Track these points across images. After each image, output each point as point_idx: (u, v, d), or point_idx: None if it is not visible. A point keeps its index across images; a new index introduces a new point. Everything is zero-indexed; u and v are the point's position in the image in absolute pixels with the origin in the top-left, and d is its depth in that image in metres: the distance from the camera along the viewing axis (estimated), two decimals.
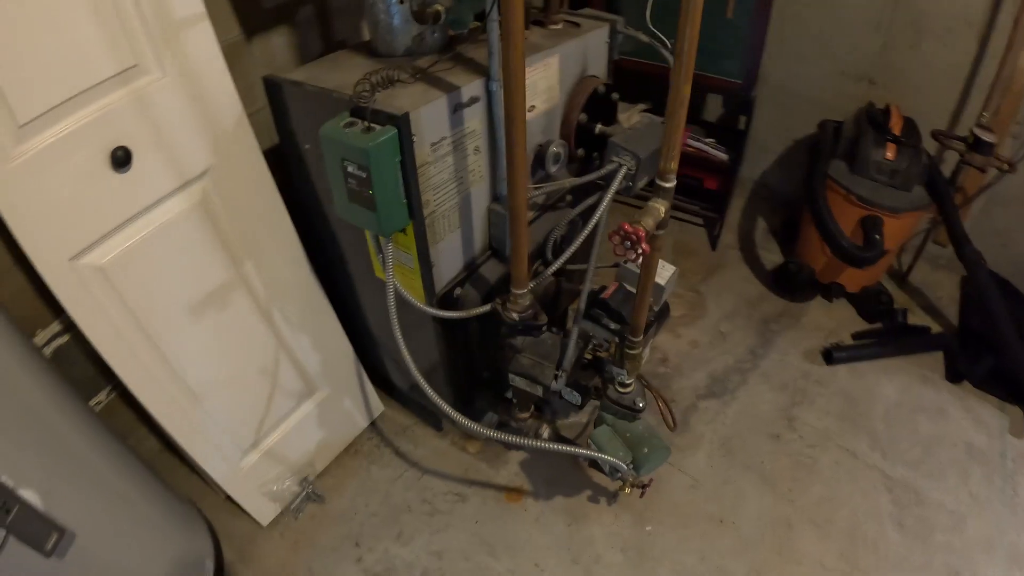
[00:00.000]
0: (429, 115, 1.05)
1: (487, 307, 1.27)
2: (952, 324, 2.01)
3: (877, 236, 1.78)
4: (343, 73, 1.18)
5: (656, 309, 1.47)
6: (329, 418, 1.63)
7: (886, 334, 1.95)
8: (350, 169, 1.01)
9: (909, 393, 1.80)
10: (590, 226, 1.29)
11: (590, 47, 1.41)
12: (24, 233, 0.97)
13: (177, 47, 1.06)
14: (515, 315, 1.22)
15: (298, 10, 1.48)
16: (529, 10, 1.36)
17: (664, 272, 1.44)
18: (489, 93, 1.14)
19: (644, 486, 1.43)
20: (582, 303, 1.33)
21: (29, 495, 0.92)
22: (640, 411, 1.25)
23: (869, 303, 1.99)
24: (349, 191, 1.05)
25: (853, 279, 2.01)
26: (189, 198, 1.17)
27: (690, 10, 0.80)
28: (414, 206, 1.10)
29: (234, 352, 1.35)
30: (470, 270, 1.36)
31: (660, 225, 1.00)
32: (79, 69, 0.96)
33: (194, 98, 1.11)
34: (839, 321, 2.03)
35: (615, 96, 1.50)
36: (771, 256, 2.27)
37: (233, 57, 1.30)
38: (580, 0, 2.22)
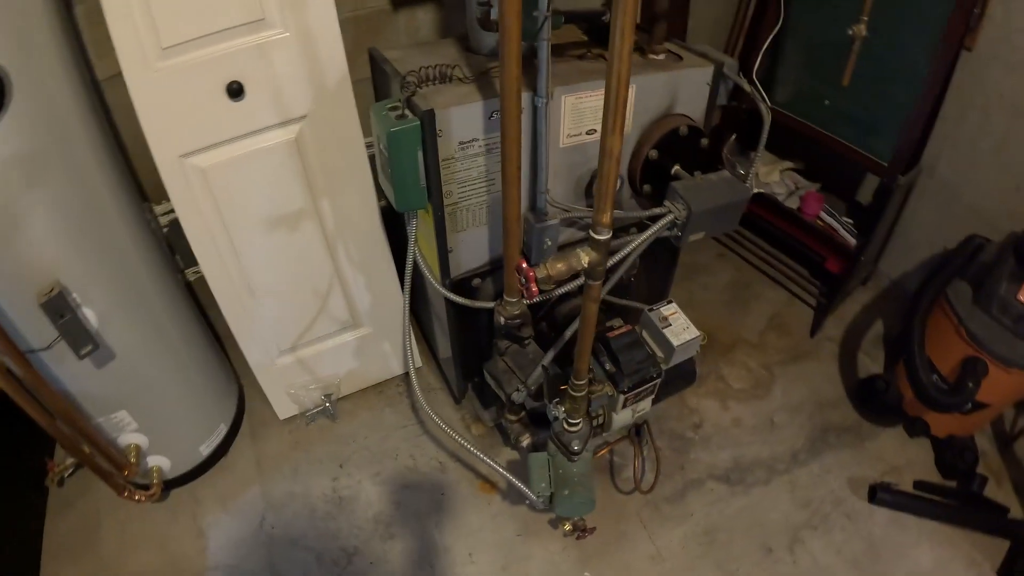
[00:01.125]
0: (460, 116, 1.14)
1: (488, 304, 1.35)
2: None
3: (971, 384, 1.49)
4: (429, 59, 1.31)
5: (665, 367, 1.41)
6: (365, 354, 1.84)
7: (953, 495, 1.63)
8: (381, 147, 1.15)
9: (945, 571, 1.49)
10: (613, 260, 1.29)
11: (682, 85, 1.37)
12: (150, 127, 1.26)
13: (301, 11, 1.27)
14: (502, 319, 1.28)
15: None
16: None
17: (682, 333, 1.38)
18: (535, 108, 1.19)
19: (584, 531, 1.42)
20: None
21: (88, 312, 1.24)
22: (574, 454, 1.24)
23: (950, 455, 1.67)
24: (380, 165, 1.19)
25: (941, 422, 1.69)
26: (286, 134, 1.40)
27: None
28: (433, 192, 1.21)
29: (294, 269, 1.59)
30: (495, 266, 1.43)
31: (592, 275, 0.97)
32: (216, 14, 1.21)
33: (306, 55, 1.32)
34: (908, 461, 1.73)
35: (704, 141, 1.44)
36: (870, 364, 1.98)
37: (377, 24, 1.50)
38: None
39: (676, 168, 1.43)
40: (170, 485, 1.61)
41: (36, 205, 1.14)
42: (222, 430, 1.67)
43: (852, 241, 1.93)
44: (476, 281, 1.43)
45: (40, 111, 1.12)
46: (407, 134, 1.11)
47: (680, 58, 1.40)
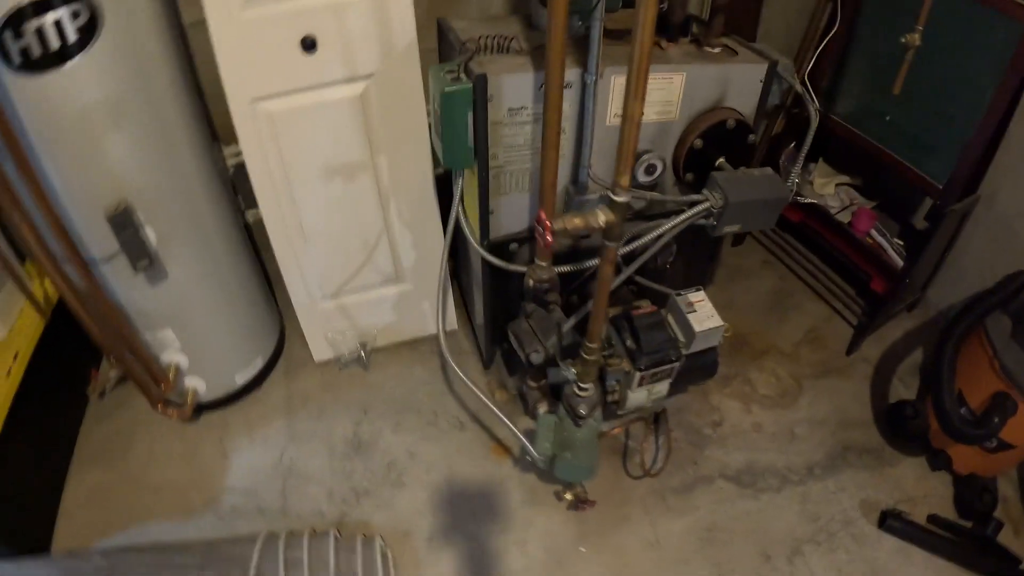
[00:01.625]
0: (512, 84, 1.19)
1: (520, 268, 1.39)
2: None
3: (997, 419, 1.44)
4: (493, 31, 1.36)
5: (685, 352, 1.42)
6: (404, 309, 1.91)
7: (965, 535, 1.57)
8: (435, 106, 1.21)
9: None
10: (641, 241, 1.32)
11: (735, 80, 1.38)
12: (227, 71, 1.36)
13: None
14: (531, 282, 1.32)
15: None
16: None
17: (705, 320, 1.39)
18: (584, 84, 1.23)
19: (583, 502, 1.45)
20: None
21: (149, 232, 1.35)
22: (580, 418, 1.27)
23: (969, 493, 1.61)
24: (433, 123, 1.25)
25: (964, 458, 1.63)
26: (352, 90, 1.48)
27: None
28: (480, 153, 1.26)
29: (346, 219, 1.66)
30: (532, 233, 1.47)
31: (609, 236, 1.00)
32: None
33: (378, 20, 1.39)
34: (926, 494, 1.68)
35: (752, 138, 1.44)
36: (903, 391, 1.92)
37: None
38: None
39: (721, 161, 1.44)
40: (203, 408, 1.73)
41: (115, 129, 1.25)
42: (258, 363, 1.78)
43: (899, 263, 1.88)
44: (513, 246, 1.48)
45: (126, 46, 1.22)
46: (460, 95, 1.16)
47: (735, 53, 1.41)
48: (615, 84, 1.28)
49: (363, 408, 1.79)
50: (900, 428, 1.78)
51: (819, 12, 1.99)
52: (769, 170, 1.41)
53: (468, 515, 1.58)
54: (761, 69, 1.40)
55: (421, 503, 1.60)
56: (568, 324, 1.32)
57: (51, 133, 1.20)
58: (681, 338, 1.40)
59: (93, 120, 1.22)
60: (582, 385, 1.26)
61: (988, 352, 1.55)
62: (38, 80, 1.14)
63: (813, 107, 1.39)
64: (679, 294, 1.43)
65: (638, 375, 1.37)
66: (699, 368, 1.51)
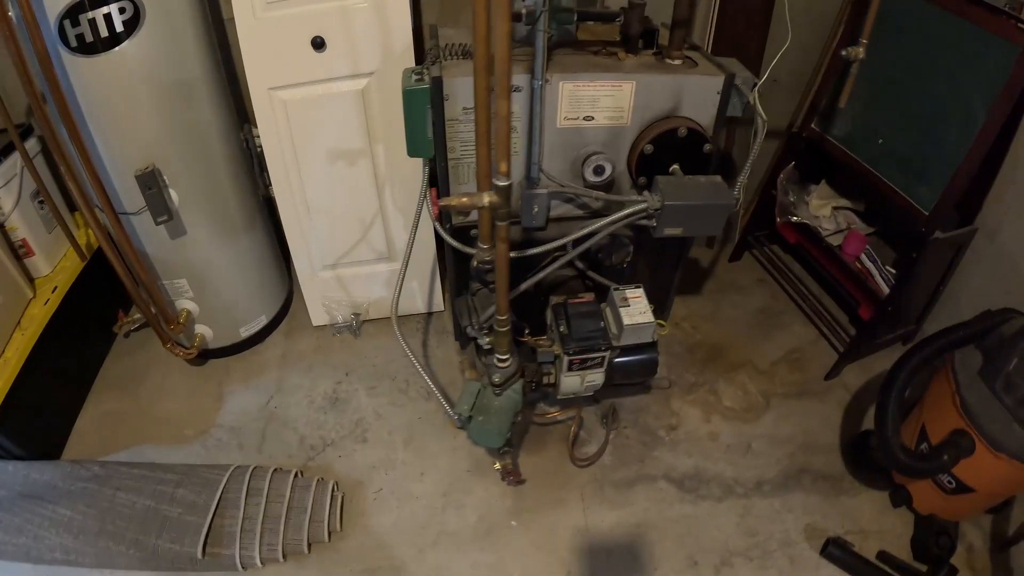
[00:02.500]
0: (465, 86, 1.34)
1: (469, 249, 1.52)
2: None
3: (947, 456, 1.40)
4: (466, 39, 1.52)
5: (616, 344, 1.49)
6: (394, 286, 2.08)
7: None
8: (402, 102, 1.39)
9: None
10: (577, 235, 1.43)
11: (690, 91, 1.45)
12: (249, 63, 1.60)
13: None
14: (475, 263, 1.46)
15: None
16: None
17: (637, 315, 1.46)
18: (532, 88, 1.36)
19: (510, 474, 1.56)
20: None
21: (172, 193, 1.61)
22: (493, 385, 1.38)
23: (926, 535, 1.55)
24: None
25: (925, 497, 1.58)
26: (355, 85, 1.68)
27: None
28: (438, 145, 1.42)
29: (346, 198, 1.86)
30: None
31: (496, 216, 1.12)
32: None
33: (379, 24, 1.59)
34: (882, 530, 1.63)
35: (708, 147, 1.50)
36: None
37: (462, 2, 1.74)
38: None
39: (674, 167, 1.51)
40: (210, 355, 1.99)
41: (151, 105, 1.51)
42: (262, 320, 2.02)
43: (886, 290, 1.85)
44: (474, 231, 1.61)
45: (165, 38, 1.48)
46: (418, 94, 1.33)
47: (696, 65, 1.49)
48: (563, 89, 1.39)
49: (346, 370, 1.98)
50: (862, 458, 1.75)
51: (835, 26, 2.00)
52: (718, 178, 1.47)
53: (416, 476, 1.72)
54: (718, 82, 1.46)
55: (378, 459, 1.76)
56: (487, 309, 1.45)
57: (97, 104, 1.48)
58: (613, 330, 1.48)
59: (133, 96, 1.49)
60: (500, 356, 1.38)
61: (951, 384, 1.51)
62: (89, 61, 1.41)
63: (760, 119, 1.43)
64: (617, 288, 1.51)
65: (567, 359, 1.46)
66: (638, 364, 1.57)
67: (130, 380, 1.94)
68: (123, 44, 1.42)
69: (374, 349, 2.04)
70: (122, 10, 1.40)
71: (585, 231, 1.42)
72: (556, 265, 1.45)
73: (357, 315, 2.08)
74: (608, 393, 1.92)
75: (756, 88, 1.45)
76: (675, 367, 2.02)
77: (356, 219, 1.93)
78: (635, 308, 1.48)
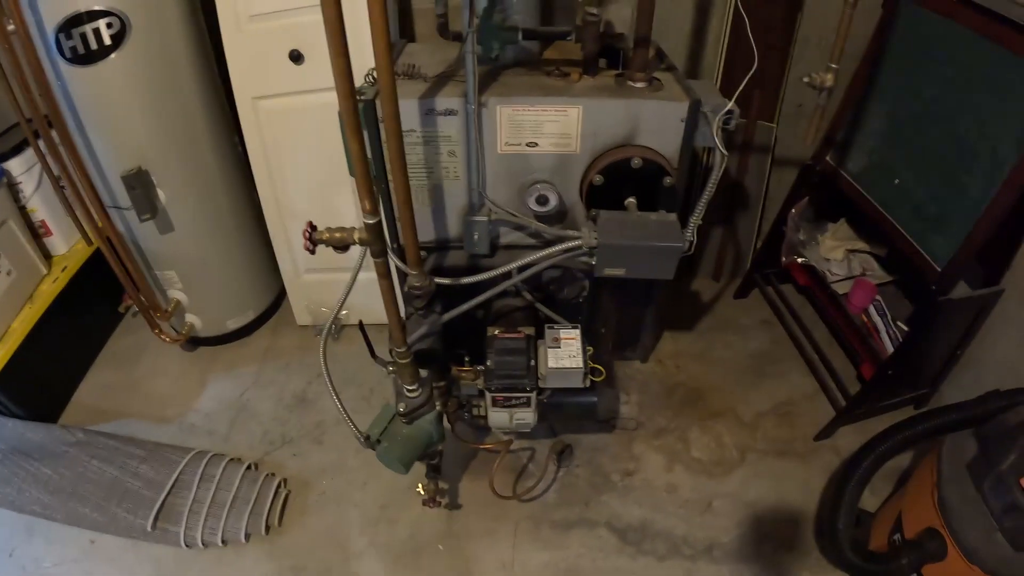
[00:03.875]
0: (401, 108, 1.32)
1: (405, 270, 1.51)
2: None
3: (906, 561, 1.22)
4: (435, 57, 1.49)
5: (542, 385, 1.42)
6: (373, 295, 2.08)
7: None
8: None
9: None
10: (509, 267, 1.38)
11: (648, 117, 1.34)
12: (235, 72, 1.68)
13: (352, 3, 1.56)
14: (406, 287, 1.45)
15: None
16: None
17: (564, 359, 1.39)
18: (467, 112, 1.31)
19: (432, 500, 1.54)
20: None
21: (161, 192, 1.73)
22: (399, 413, 1.37)
23: None
24: None
25: None
26: (332, 97, 1.69)
27: None
28: (379, 168, 1.41)
29: (325, 206, 1.91)
30: (441, 245, 1.59)
31: (372, 252, 1.11)
32: None
33: (352, 38, 1.61)
34: None
35: (668, 180, 1.38)
36: (867, 496, 1.64)
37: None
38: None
39: (630, 201, 1.41)
40: (200, 342, 2.12)
41: (141, 112, 1.63)
42: (250, 315, 2.13)
43: (890, 349, 1.63)
44: (422, 254, 1.60)
45: (152, 50, 1.58)
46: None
47: (660, 88, 1.37)
48: (501, 114, 1.34)
49: (318, 371, 2.04)
50: (833, 536, 1.55)
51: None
52: (671, 217, 1.35)
53: (360, 484, 1.75)
54: (680, 108, 1.33)
55: (329, 462, 1.80)
56: (416, 334, 1.43)
57: (91, 110, 1.61)
58: (542, 370, 1.41)
59: (123, 103, 1.61)
60: (408, 386, 1.36)
61: (933, 473, 1.32)
62: (83, 70, 1.54)
63: (719, 154, 1.30)
64: (551, 327, 1.44)
65: (490, 395, 1.41)
66: (574, 407, 1.49)
67: (129, 358, 2.12)
68: (111, 56, 1.53)
69: (349, 354, 2.09)
70: (109, 25, 1.51)
71: (514, 265, 1.36)
72: (485, 296, 1.41)
73: (337, 320, 2.12)
74: (569, 427, 1.85)
75: (721, 116, 1.31)
76: (648, 407, 1.90)
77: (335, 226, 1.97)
78: (565, 351, 1.40)
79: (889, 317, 1.68)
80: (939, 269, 1.46)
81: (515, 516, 1.67)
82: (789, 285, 2.12)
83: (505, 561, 1.59)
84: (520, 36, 1.33)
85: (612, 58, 1.54)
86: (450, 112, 1.34)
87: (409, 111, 1.34)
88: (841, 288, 1.80)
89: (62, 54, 1.53)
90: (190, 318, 2.02)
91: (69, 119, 1.60)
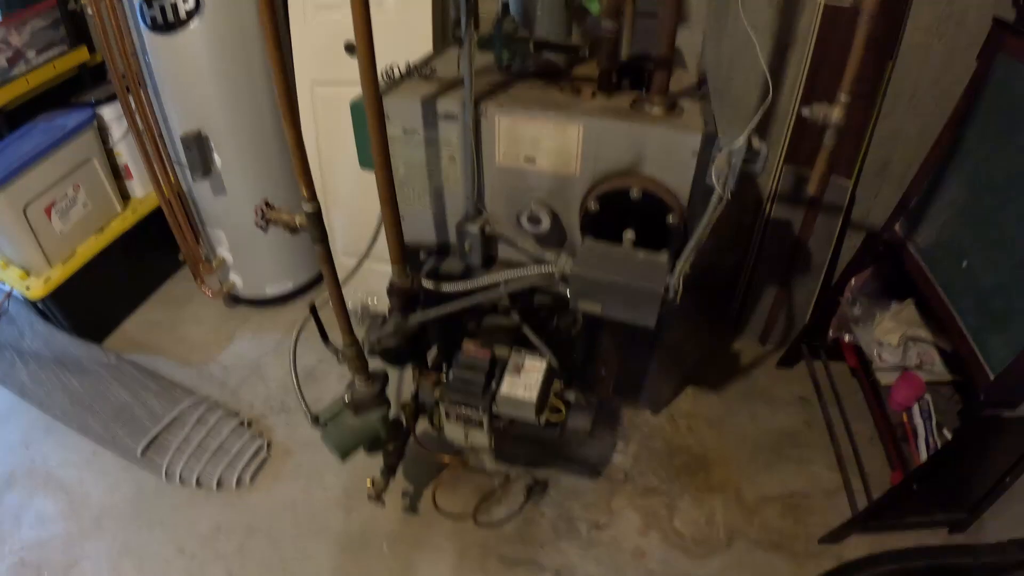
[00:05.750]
0: (400, 106, 1.31)
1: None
2: None
3: None
4: (452, 62, 1.48)
5: (495, 410, 1.34)
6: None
7: None
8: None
9: None
10: (480, 282, 1.34)
11: (654, 145, 1.21)
12: (298, 57, 1.79)
13: (406, 4, 1.62)
14: (391, 283, 1.44)
15: None
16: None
17: (519, 389, 1.31)
18: (463, 118, 1.28)
19: (380, 497, 1.51)
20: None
21: (216, 157, 1.88)
22: (345, 403, 1.35)
23: None
24: None
25: None
26: None
27: None
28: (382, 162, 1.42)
29: (366, 197, 1.88)
30: (441, 250, 1.56)
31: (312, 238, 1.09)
32: None
33: (402, 35, 1.65)
34: None
35: (672, 219, 1.25)
36: None
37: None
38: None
39: (628, 233, 1.30)
40: (241, 302, 2.27)
41: (209, 79, 1.78)
42: (288, 285, 2.24)
43: (922, 459, 1.36)
44: (423, 255, 1.59)
45: (225, 23, 1.73)
46: (359, 109, 1.35)
47: (680, 115, 1.24)
48: (500, 124, 1.29)
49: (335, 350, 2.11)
50: None
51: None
52: (661, 258, 1.23)
53: (334, 467, 1.76)
54: (693, 140, 1.19)
55: (313, 439, 1.81)
56: (386, 326, 1.42)
57: (166, 74, 1.79)
58: (499, 395, 1.34)
59: (194, 70, 1.77)
60: (358, 377, 1.35)
61: None
62: (161, 38, 1.71)
63: (718, 194, 1.13)
64: (518, 351, 1.36)
65: (443, 408, 1.36)
66: (536, 436, 1.40)
67: (177, 302, 2.32)
68: (188, 27, 1.69)
69: None
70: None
71: (486, 281, 1.31)
72: (451, 308, 1.37)
73: (366, 306, 2.18)
74: (552, 462, 1.75)
75: (722, 150, 1.15)
76: (643, 462, 1.75)
77: (373, 217, 2.02)
78: (524, 379, 1.32)
79: (933, 422, 1.41)
80: (991, 376, 1.19)
81: (468, 539, 1.60)
82: (842, 364, 1.85)
83: None
84: (532, 47, 1.28)
85: (639, 80, 1.43)
86: (450, 116, 1.32)
87: (413, 112, 1.33)
88: (887, 378, 1.53)
89: (144, 21, 1.71)
90: (233, 277, 2.18)
91: (147, 78, 1.79)
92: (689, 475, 1.71)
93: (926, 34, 1.51)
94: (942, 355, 1.54)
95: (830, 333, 1.67)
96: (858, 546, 1.52)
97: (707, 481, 1.70)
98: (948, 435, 1.40)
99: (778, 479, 1.69)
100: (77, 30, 2.18)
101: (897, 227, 1.53)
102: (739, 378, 1.97)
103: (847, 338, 1.62)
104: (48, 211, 1.94)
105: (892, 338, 1.58)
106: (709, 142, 1.20)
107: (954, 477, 1.35)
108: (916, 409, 1.44)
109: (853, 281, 1.65)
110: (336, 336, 1.44)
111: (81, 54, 2.18)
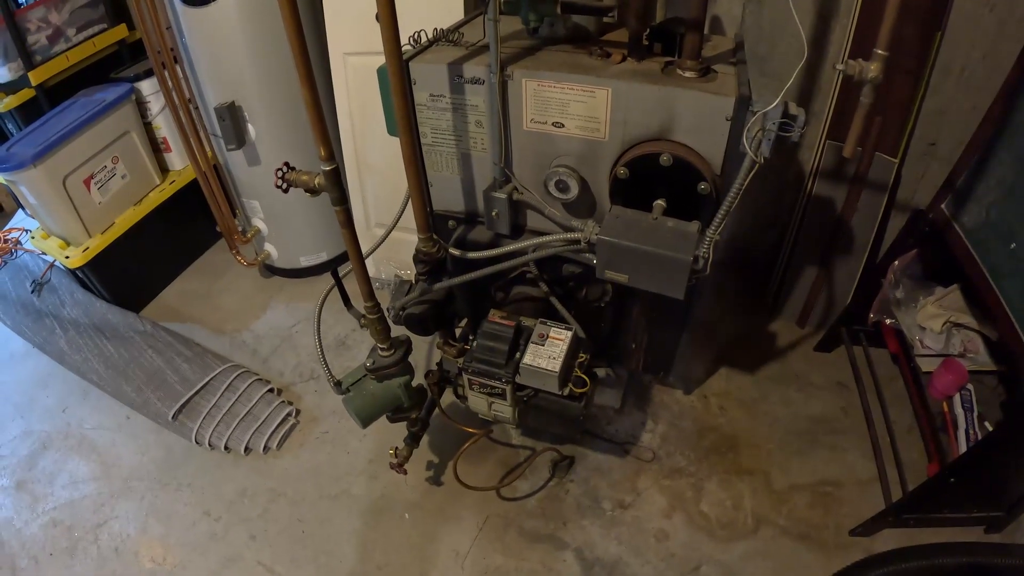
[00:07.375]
0: (427, 71, 1.30)
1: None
2: None
3: None
4: (473, 28, 1.46)
5: (517, 380, 1.32)
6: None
7: None
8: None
9: None
10: (508, 249, 1.32)
11: (684, 110, 1.17)
12: (330, 28, 1.80)
13: None
14: (418, 250, 1.44)
15: None
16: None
17: (541, 359, 1.29)
18: (489, 82, 1.25)
19: (398, 466, 1.52)
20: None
21: (251, 127, 1.90)
22: (366, 367, 1.36)
23: None
24: None
25: None
26: None
27: None
28: (411, 128, 1.41)
29: (398, 166, 1.94)
30: (469, 217, 1.55)
31: (332, 201, 1.11)
32: None
33: (434, 4, 1.64)
34: None
35: (704, 187, 1.21)
36: None
37: None
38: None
39: (659, 203, 1.26)
40: (276, 272, 2.31)
41: (242, 51, 1.80)
42: (323, 256, 2.27)
43: (960, 451, 1.29)
44: (452, 223, 1.58)
45: None
46: (386, 74, 1.34)
47: (714, 80, 1.19)
48: (527, 88, 1.26)
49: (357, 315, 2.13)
50: None
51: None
52: (692, 227, 1.19)
53: (360, 434, 1.79)
54: (726, 104, 1.14)
55: (341, 407, 1.85)
56: (411, 293, 1.42)
57: (200, 46, 1.81)
58: (522, 364, 1.32)
59: (228, 43, 1.79)
60: (380, 344, 1.35)
61: None
62: (195, 11, 1.74)
63: (751, 158, 1.08)
64: (544, 322, 1.34)
65: (466, 377, 1.36)
66: (559, 412, 1.38)
67: (214, 272, 2.37)
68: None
69: None
70: None
71: (509, 248, 1.29)
72: (471, 276, 1.36)
73: (398, 276, 2.19)
74: (579, 438, 1.73)
75: (757, 113, 1.09)
76: (671, 442, 1.71)
77: (405, 186, 2.02)
78: (548, 350, 1.30)
79: (975, 414, 1.33)
80: None
81: (488, 511, 1.61)
82: (883, 350, 1.77)
83: (460, 551, 1.53)
84: (559, 9, 1.25)
85: (672, 47, 1.38)
86: (477, 80, 1.29)
87: (439, 76, 1.32)
88: (928, 365, 1.46)
89: None
90: (268, 247, 2.22)
91: (182, 52, 1.82)
92: (718, 457, 1.67)
93: (976, 3, 1.41)
94: (987, 343, 1.45)
95: (871, 316, 1.59)
96: (889, 539, 1.46)
97: (736, 464, 1.66)
98: (989, 427, 1.33)
99: (810, 466, 1.63)
100: (116, 8, 2.24)
101: (943, 206, 1.45)
102: (775, 360, 1.90)
103: (888, 322, 1.55)
104: (87, 183, 2.01)
105: (935, 324, 1.50)
106: (743, 107, 1.14)
107: (993, 473, 1.28)
108: (957, 399, 1.37)
109: (896, 263, 1.57)
110: (359, 303, 1.42)
111: (120, 31, 2.24)
